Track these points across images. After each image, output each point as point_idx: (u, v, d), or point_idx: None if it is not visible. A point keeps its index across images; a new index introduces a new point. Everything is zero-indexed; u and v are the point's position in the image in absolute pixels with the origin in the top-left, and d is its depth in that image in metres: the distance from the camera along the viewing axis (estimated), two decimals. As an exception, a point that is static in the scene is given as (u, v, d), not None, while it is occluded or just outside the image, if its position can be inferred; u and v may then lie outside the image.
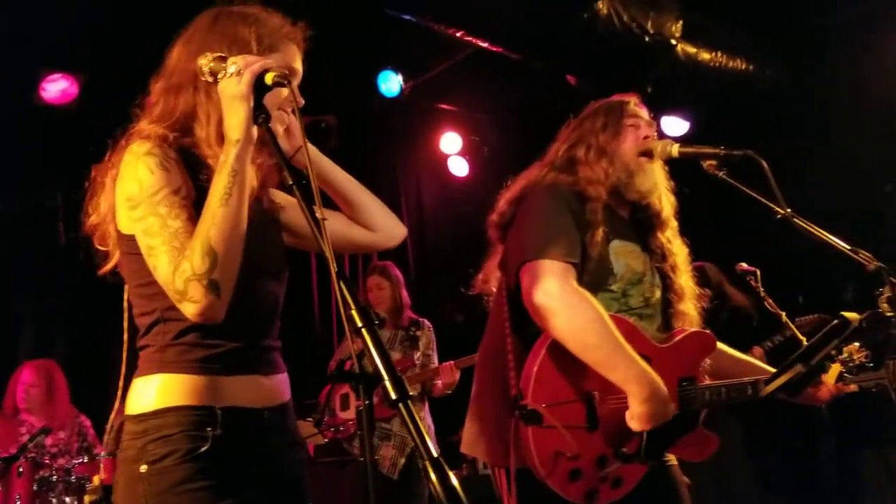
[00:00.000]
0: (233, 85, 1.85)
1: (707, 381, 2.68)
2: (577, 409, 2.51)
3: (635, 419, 2.47)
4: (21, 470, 4.91)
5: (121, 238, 1.99)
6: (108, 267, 2.09)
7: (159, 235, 1.87)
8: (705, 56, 6.32)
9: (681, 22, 6.01)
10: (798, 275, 5.17)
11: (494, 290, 2.80)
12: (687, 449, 2.68)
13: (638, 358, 2.48)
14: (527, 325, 2.58)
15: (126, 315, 2.09)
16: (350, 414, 5.72)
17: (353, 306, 1.51)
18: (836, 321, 2.43)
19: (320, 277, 7.35)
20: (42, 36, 5.21)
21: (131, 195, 1.92)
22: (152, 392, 1.95)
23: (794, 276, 5.08)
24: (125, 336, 2.08)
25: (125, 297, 2.09)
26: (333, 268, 1.54)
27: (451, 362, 5.62)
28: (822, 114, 6.62)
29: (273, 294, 2.13)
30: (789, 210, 2.56)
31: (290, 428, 2.14)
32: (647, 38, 5.81)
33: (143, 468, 1.90)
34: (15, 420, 5.39)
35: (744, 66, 6.54)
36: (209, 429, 1.92)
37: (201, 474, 1.89)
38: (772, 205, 2.57)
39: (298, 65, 2.13)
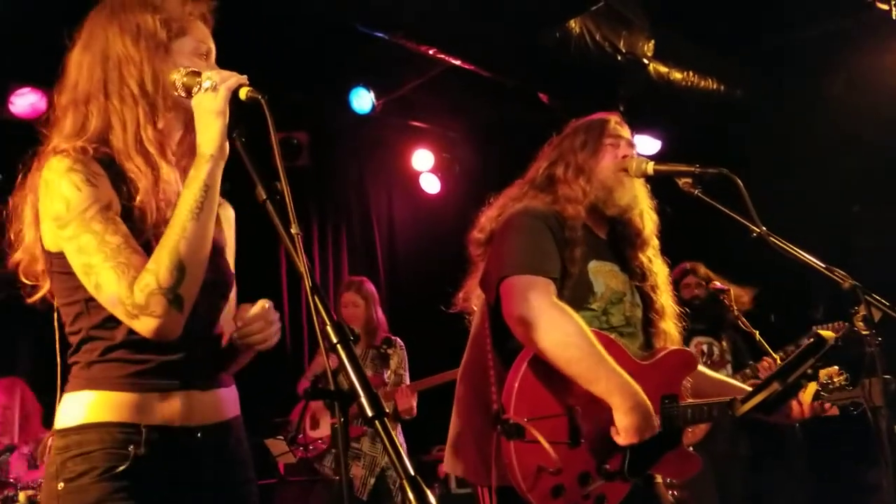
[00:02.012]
0: (209, 100, 1.81)
1: (689, 400, 2.67)
2: (560, 425, 2.49)
3: (621, 432, 2.45)
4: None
5: (48, 257, 1.90)
6: (38, 296, 1.99)
7: (99, 253, 1.79)
8: (677, 75, 6.38)
9: (652, 41, 6.06)
10: (770, 294, 5.20)
11: (475, 308, 2.79)
12: (669, 468, 2.67)
13: (620, 370, 2.47)
14: (508, 341, 2.57)
15: (57, 331, 1.99)
16: (319, 433, 5.65)
17: (328, 322, 1.48)
18: (811, 339, 2.43)
19: (290, 294, 7.28)
20: (10, 49, 5.14)
21: (58, 214, 1.83)
22: (77, 407, 1.87)
23: (766, 295, 5.11)
24: (58, 352, 1.99)
25: (55, 312, 1.99)
26: (308, 283, 1.51)
27: (406, 385, 5.56)
28: (791, 133, 6.69)
29: (214, 306, 2.03)
30: (764, 228, 2.57)
31: (231, 447, 2.02)
32: (619, 58, 5.85)
33: (60, 486, 1.82)
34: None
35: (715, 86, 6.61)
36: (132, 447, 1.82)
37: (120, 494, 1.80)
38: (747, 223, 2.58)
39: (210, 41, 2.02)
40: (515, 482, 2.41)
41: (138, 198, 1.87)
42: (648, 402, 2.47)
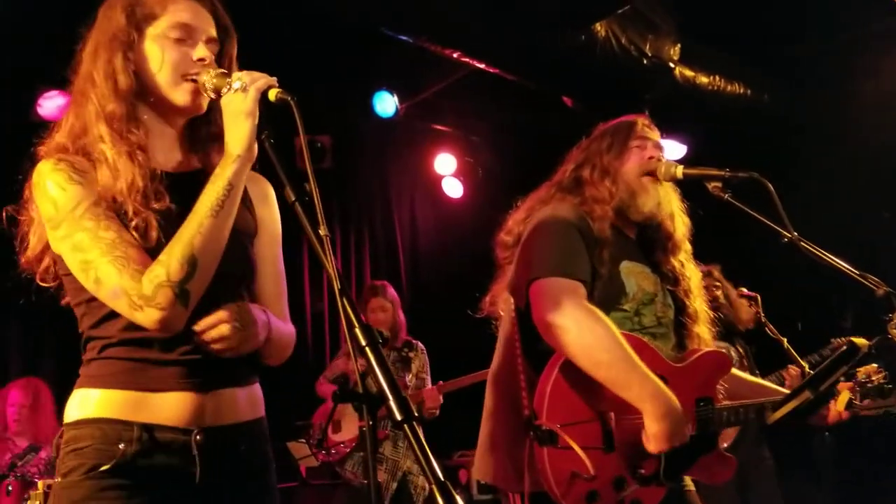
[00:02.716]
0: (238, 101, 1.80)
1: (724, 402, 2.64)
2: (593, 430, 2.46)
3: (652, 440, 2.42)
4: (10, 489, 4.82)
5: (56, 260, 1.91)
6: (67, 299, 1.98)
7: (94, 248, 1.78)
8: (703, 80, 6.33)
9: (679, 45, 6.02)
10: (797, 302, 5.15)
11: (502, 312, 2.76)
12: (706, 471, 2.63)
13: (652, 375, 2.44)
14: (537, 345, 2.54)
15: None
16: (341, 436, 5.65)
17: (356, 324, 1.46)
18: (844, 347, 2.40)
19: (313, 295, 7.29)
20: (39, 52, 5.18)
21: (49, 216, 1.84)
22: (77, 404, 1.89)
23: (792, 302, 5.06)
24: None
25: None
26: (337, 285, 1.49)
27: (435, 387, 5.56)
28: (819, 139, 6.63)
29: (230, 300, 1.94)
30: (795, 234, 2.54)
31: (243, 453, 1.95)
32: (644, 61, 5.81)
33: (58, 480, 1.84)
34: (1, 438, 5.29)
35: (742, 91, 6.55)
36: (122, 445, 1.80)
37: (106, 493, 1.79)
38: (778, 228, 2.55)
39: (194, 18, 1.94)
40: (549, 488, 2.39)
41: (99, 186, 1.86)
42: (680, 409, 2.44)
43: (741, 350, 5.06)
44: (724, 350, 5.05)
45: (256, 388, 2.04)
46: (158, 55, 1.92)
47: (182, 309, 1.77)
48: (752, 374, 4.91)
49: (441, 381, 5.63)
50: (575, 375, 2.46)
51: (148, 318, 1.76)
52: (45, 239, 1.90)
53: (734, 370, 2.80)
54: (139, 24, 1.93)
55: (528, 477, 2.41)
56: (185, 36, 1.94)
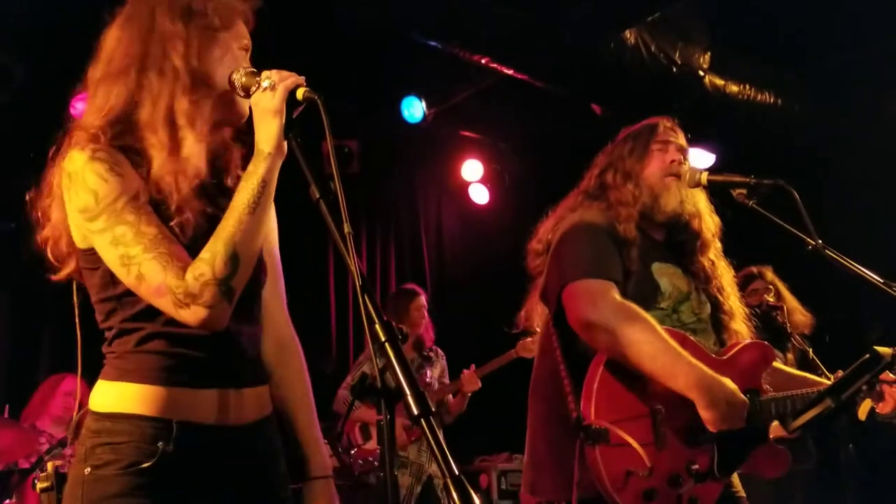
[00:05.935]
0: (266, 99, 1.82)
1: (770, 394, 2.62)
2: (643, 426, 2.45)
3: (708, 425, 2.42)
4: (37, 482, 4.86)
5: (78, 253, 1.90)
6: (63, 275, 1.95)
7: (137, 243, 1.77)
8: (733, 88, 6.29)
9: (709, 54, 6.00)
10: (824, 312, 5.09)
11: (537, 328, 2.77)
12: (761, 464, 2.60)
13: (698, 363, 2.43)
14: (577, 348, 2.54)
15: (77, 314, 2.00)
16: (372, 444, 5.62)
17: (376, 321, 1.48)
18: (867, 355, 2.38)
19: (338, 297, 7.30)
20: (74, 53, 5.25)
21: (86, 206, 1.81)
22: (111, 395, 1.87)
23: (819, 313, 5.00)
24: (78, 336, 2.01)
25: (74, 297, 1.99)
26: (359, 282, 1.51)
27: (472, 369, 5.59)
28: (849, 149, 6.57)
29: (248, 300, 1.97)
30: (820, 241, 2.53)
31: (261, 448, 1.99)
32: (674, 69, 5.80)
33: (87, 470, 1.81)
34: (32, 431, 5.34)
35: (772, 100, 6.51)
36: (160, 443, 1.81)
37: (141, 490, 1.79)
38: (802, 235, 2.53)
39: (248, 40, 2.04)
40: (603, 489, 2.37)
41: (152, 171, 1.85)
42: (732, 388, 2.43)
43: (791, 357, 4.91)
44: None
45: (267, 388, 2.07)
46: (231, 63, 1.95)
47: (227, 306, 1.79)
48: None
49: (474, 366, 5.66)
50: (620, 373, 2.46)
51: (194, 315, 1.77)
52: (65, 216, 1.87)
53: (776, 363, 2.77)
54: (220, 27, 1.97)
55: (579, 481, 2.39)
56: (247, 52, 2.01)
